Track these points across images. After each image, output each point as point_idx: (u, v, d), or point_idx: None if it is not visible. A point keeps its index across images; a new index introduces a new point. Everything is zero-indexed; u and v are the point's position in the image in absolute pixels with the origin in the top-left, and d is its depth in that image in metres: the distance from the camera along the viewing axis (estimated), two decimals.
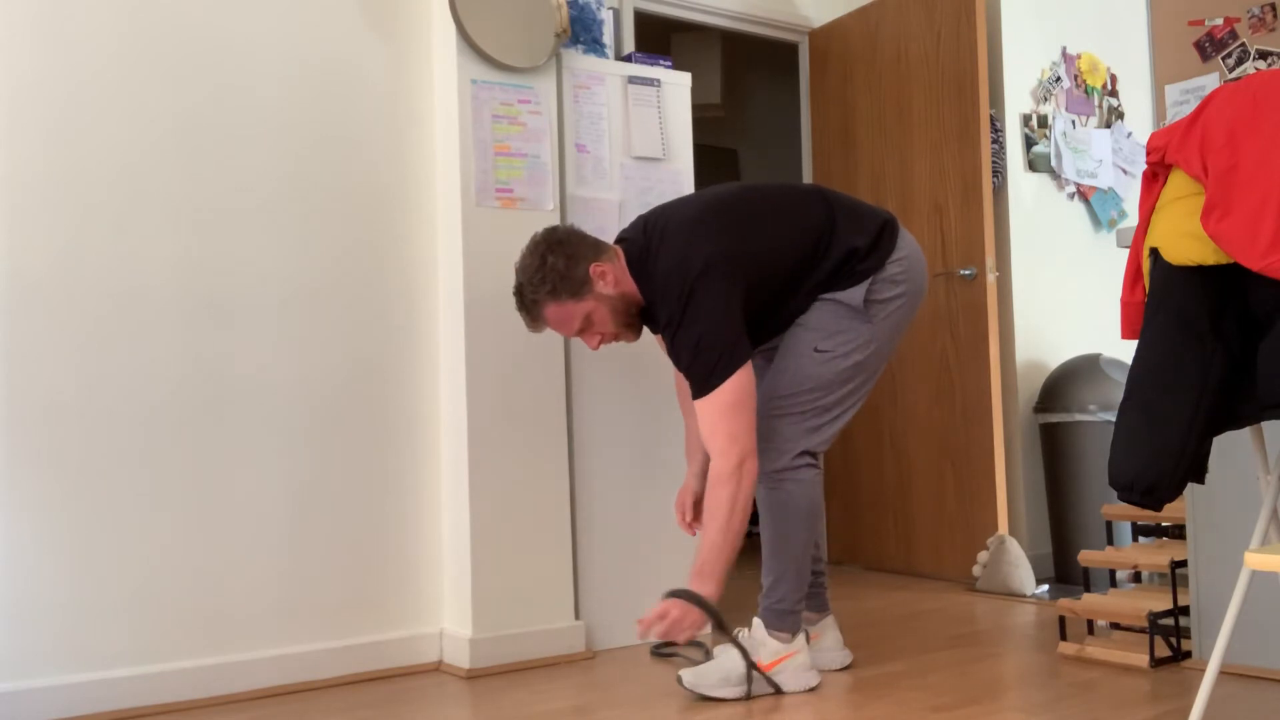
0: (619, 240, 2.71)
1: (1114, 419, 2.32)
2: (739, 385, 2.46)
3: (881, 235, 2.62)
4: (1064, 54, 4.44)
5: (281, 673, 2.77)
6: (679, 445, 3.26)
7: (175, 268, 2.71)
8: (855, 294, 2.59)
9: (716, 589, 2.49)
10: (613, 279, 2.59)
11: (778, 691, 2.57)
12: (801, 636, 2.63)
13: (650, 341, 3.23)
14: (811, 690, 2.59)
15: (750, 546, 4.74)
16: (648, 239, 2.61)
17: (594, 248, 2.60)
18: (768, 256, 2.56)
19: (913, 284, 2.65)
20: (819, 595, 2.81)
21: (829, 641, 2.78)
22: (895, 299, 2.62)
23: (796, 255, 2.58)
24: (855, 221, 2.62)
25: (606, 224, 3.14)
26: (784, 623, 2.59)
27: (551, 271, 2.54)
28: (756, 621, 2.60)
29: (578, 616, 3.08)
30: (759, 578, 2.83)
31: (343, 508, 2.90)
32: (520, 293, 2.60)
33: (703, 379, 2.48)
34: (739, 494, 2.46)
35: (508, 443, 2.97)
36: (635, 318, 2.68)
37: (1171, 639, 2.73)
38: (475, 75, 2.98)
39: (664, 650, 3.02)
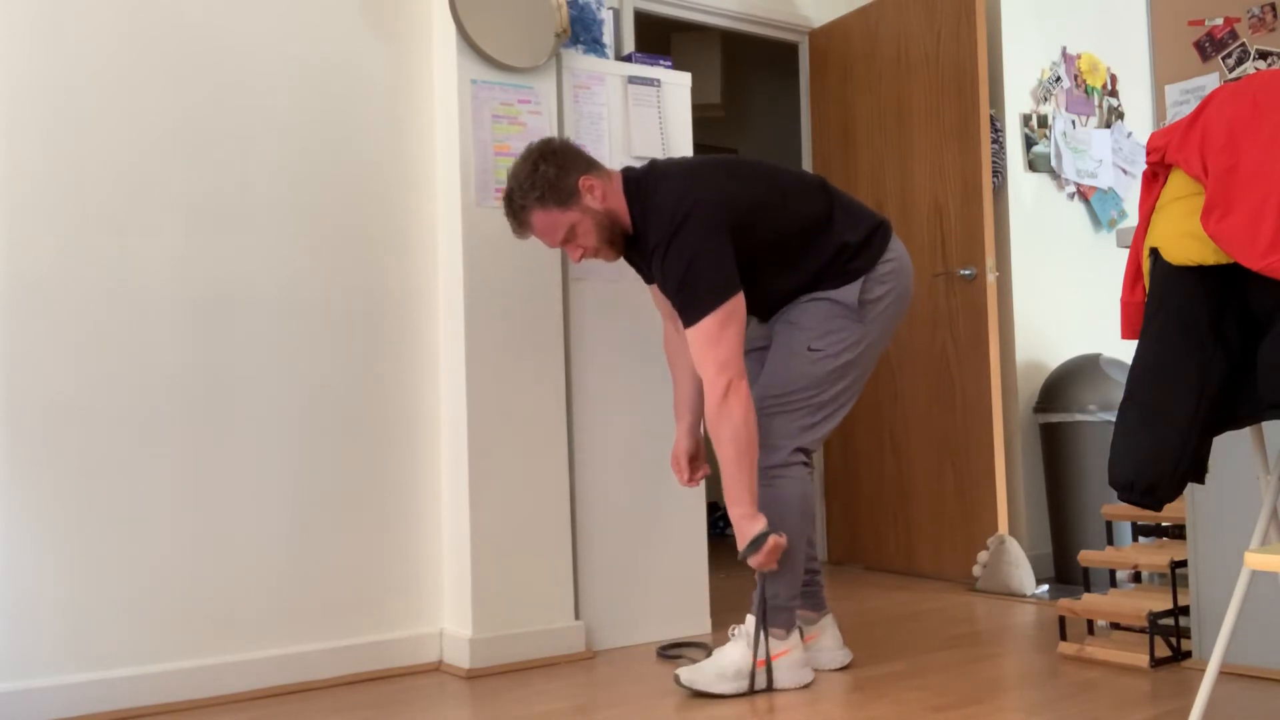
0: (624, 170, 2.76)
1: (1114, 419, 2.32)
2: (728, 312, 2.50)
3: (874, 235, 2.68)
4: (1064, 54, 4.44)
5: (281, 673, 2.77)
6: None
7: (175, 268, 2.71)
8: (849, 293, 2.63)
9: (755, 510, 2.53)
10: (601, 194, 2.64)
11: (770, 687, 2.57)
12: (796, 634, 2.64)
13: (650, 341, 3.23)
14: (805, 687, 2.60)
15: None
16: (649, 173, 2.67)
17: (587, 162, 2.66)
18: (760, 217, 2.60)
19: (901, 284, 2.70)
20: (816, 594, 2.82)
21: (828, 640, 2.78)
22: (884, 298, 2.67)
23: (788, 230, 2.62)
24: (851, 217, 2.68)
25: None
26: (779, 619, 2.60)
27: (542, 179, 2.59)
28: (750, 618, 2.60)
29: (578, 616, 3.08)
30: (751, 575, 2.81)
31: (343, 508, 2.90)
32: (510, 198, 2.65)
33: (690, 305, 2.52)
34: (734, 421, 2.48)
35: (508, 443, 2.97)
36: (620, 238, 2.71)
37: (1171, 639, 2.73)
38: (475, 75, 2.98)
39: (670, 652, 3.02)
